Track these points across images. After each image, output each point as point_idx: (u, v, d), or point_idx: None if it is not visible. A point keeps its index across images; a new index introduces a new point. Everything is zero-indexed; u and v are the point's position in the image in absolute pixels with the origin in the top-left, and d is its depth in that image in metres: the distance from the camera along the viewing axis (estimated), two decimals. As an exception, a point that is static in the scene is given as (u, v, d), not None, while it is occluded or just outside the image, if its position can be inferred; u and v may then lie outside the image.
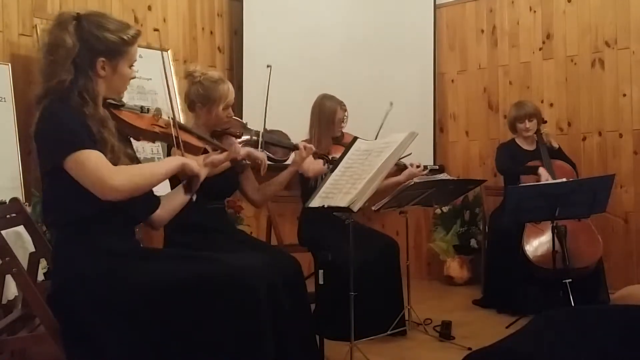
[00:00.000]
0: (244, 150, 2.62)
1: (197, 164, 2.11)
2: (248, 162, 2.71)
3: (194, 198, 2.14)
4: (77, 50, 1.92)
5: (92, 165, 1.82)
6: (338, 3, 5.16)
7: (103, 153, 1.88)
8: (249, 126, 3.00)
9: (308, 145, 3.06)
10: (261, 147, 2.79)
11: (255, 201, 3.12)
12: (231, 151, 2.31)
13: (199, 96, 2.81)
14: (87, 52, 1.94)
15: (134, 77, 2.12)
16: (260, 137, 2.75)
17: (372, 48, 5.19)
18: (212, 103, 2.80)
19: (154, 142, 2.48)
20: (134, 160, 2.05)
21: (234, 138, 2.78)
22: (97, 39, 1.95)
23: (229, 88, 2.85)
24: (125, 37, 2.00)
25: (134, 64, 2.07)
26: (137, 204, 2.05)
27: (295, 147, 3.02)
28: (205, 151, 2.34)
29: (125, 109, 2.09)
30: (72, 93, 1.91)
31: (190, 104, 2.87)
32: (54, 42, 1.92)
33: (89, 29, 1.95)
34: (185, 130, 2.33)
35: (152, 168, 1.98)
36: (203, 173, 2.13)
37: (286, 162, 3.14)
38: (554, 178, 3.92)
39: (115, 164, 1.90)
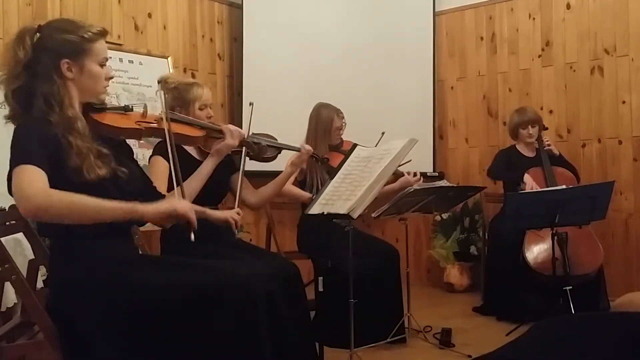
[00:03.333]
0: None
1: (167, 203, 1.97)
2: (264, 144, 2.74)
3: (192, 238, 2.02)
4: (30, 58, 1.92)
5: (21, 178, 1.77)
6: (338, 10, 5.17)
7: (68, 156, 1.86)
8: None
9: (308, 147, 3.07)
10: (243, 160, 2.76)
11: (252, 204, 3.11)
12: (233, 133, 2.32)
13: (176, 100, 2.88)
14: (50, 57, 1.95)
15: (112, 77, 2.10)
16: (243, 152, 2.73)
17: (372, 55, 5.20)
18: (188, 104, 2.87)
19: (139, 139, 2.46)
20: (109, 158, 1.98)
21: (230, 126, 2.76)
22: (57, 42, 1.96)
23: (204, 88, 2.92)
24: (85, 35, 1.99)
25: (105, 63, 2.05)
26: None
27: (297, 149, 3.03)
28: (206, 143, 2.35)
29: (107, 112, 2.09)
30: (35, 100, 1.91)
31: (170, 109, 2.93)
32: (8, 56, 1.95)
33: (49, 35, 1.97)
34: (179, 121, 2.32)
35: (89, 202, 1.81)
36: (181, 207, 1.98)
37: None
38: (554, 185, 3.92)
39: (81, 165, 1.88)
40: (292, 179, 3.56)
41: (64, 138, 1.89)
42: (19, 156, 1.82)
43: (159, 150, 2.75)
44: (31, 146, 1.83)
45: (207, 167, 2.37)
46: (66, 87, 1.97)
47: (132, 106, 2.13)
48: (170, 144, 2.09)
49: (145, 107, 2.17)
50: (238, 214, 2.57)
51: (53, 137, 1.87)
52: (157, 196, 2.19)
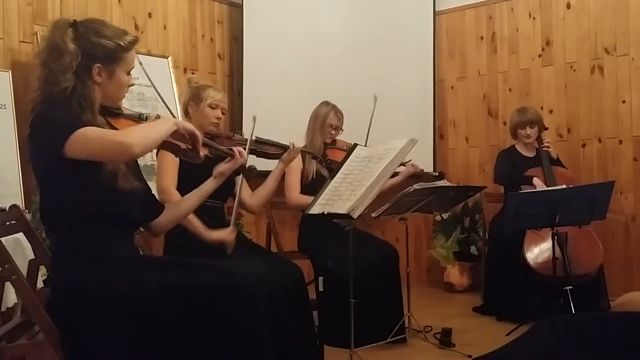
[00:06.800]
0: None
1: (188, 124, 2.04)
2: (255, 167, 2.76)
3: (202, 157, 2.10)
4: (79, 56, 1.91)
5: (98, 134, 1.81)
6: (338, 10, 5.17)
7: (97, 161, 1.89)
8: (237, 135, 3.05)
9: (296, 144, 3.12)
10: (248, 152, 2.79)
11: (251, 206, 3.15)
12: (238, 158, 2.35)
13: (190, 95, 3.02)
14: (84, 59, 1.93)
15: (132, 85, 2.12)
16: (248, 143, 2.77)
17: (371, 54, 5.20)
18: (200, 100, 2.98)
19: (151, 150, 2.48)
20: (131, 167, 2.04)
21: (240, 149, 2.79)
22: (94, 45, 1.95)
23: (220, 92, 3.04)
24: (122, 43, 1.99)
25: (131, 71, 2.06)
26: (137, 208, 2.05)
27: (286, 147, 3.07)
28: (207, 158, 2.36)
29: (122, 117, 2.09)
30: (72, 100, 1.90)
31: (185, 107, 3.06)
32: (56, 48, 1.91)
33: (85, 35, 1.95)
34: None
35: (151, 126, 1.94)
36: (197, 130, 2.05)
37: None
38: (555, 185, 3.92)
39: (113, 169, 1.91)
40: (297, 184, 3.58)
41: None
42: (67, 126, 1.80)
43: None
44: (74, 119, 1.84)
45: (209, 188, 2.37)
46: (94, 91, 1.97)
47: (146, 115, 2.13)
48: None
49: (157, 117, 2.18)
50: (232, 232, 2.66)
51: None
52: (158, 207, 2.22)
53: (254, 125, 2.92)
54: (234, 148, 2.39)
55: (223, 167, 2.34)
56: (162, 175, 2.81)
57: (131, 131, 1.87)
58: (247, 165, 2.62)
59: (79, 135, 1.79)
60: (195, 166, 2.42)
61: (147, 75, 2.37)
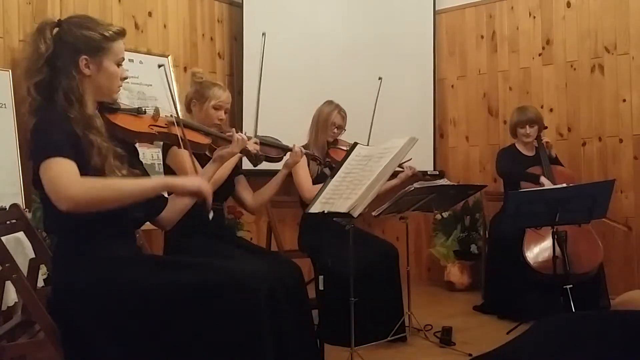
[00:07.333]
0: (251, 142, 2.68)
1: (192, 181, 2.06)
2: (262, 153, 2.76)
3: (210, 216, 2.11)
4: (51, 52, 1.93)
5: (53, 173, 1.77)
6: (338, 9, 5.17)
7: (89, 155, 1.87)
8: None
9: (301, 148, 3.12)
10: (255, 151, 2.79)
11: (251, 207, 3.15)
12: (238, 142, 2.36)
13: (195, 93, 2.99)
14: (69, 52, 1.95)
15: (126, 78, 2.11)
16: (254, 128, 2.79)
17: (372, 53, 5.20)
18: (205, 99, 2.95)
19: (152, 144, 2.48)
20: (125, 159, 2.01)
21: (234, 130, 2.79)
22: (77, 37, 1.96)
23: (224, 92, 3.00)
24: (106, 33, 2.00)
25: (121, 63, 2.06)
26: (138, 207, 2.05)
27: (289, 149, 3.06)
28: (212, 148, 2.38)
29: (120, 113, 2.09)
30: (57, 95, 1.92)
31: (187, 103, 3.04)
32: (29, 49, 1.96)
33: (69, 30, 1.97)
34: (188, 126, 2.34)
35: (123, 183, 1.88)
36: (204, 186, 2.05)
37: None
38: (554, 184, 3.92)
39: (102, 165, 1.89)
40: (309, 177, 3.58)
41: (85, 137, 1.89)
42: (46, 148, 1.80)
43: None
44: (58, 137, 1.83)
45: (209, 173, 2.38)
46: (83, 84, 1.97)
47: (144, 109, 2.14)
48: (184, 146, 2.11)
49: (157, 110, 2.18)
50: (256, 143, 2.76)
51: (74, 135, 1.88)
52: (161, 203, 2.21)
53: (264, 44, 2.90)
54: (233, 133, 2.41)
55: (223, 151, 2.36)
56: (186, 171, 2.79)
57: (86, 182, 1.80)
58: (254, 154, 2.63)
59: (44, 166, 1.78)
60: (203, 158, 2.44)
61: (168, 82, 2.35)
